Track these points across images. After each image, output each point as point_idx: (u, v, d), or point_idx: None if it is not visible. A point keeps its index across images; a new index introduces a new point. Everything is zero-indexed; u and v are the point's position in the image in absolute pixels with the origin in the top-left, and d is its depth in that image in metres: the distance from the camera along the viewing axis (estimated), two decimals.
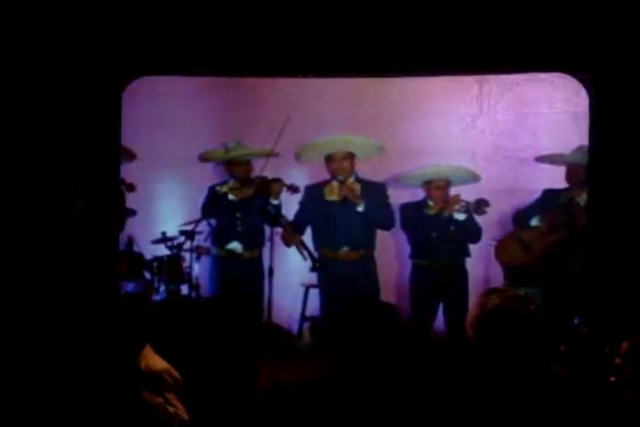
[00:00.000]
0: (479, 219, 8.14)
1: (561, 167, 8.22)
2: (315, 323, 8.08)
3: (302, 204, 8.20)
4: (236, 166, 8.39)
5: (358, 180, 8.09)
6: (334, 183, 8.11)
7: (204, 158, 8.63)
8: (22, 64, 6.84)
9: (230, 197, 8.29)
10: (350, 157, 8.09)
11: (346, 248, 8.04)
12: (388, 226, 8.19)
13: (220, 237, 8.37)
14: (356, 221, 8.03)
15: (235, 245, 8.29)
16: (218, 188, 8.40)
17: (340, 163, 8.07)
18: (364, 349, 4.06)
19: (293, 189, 8.02)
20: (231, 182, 8.38)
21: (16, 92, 6.84)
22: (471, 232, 8.17)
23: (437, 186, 8.17)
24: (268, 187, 8.06)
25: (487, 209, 7.97)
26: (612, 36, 6.81)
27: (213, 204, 8.33)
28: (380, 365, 3.96)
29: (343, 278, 7.90)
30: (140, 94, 7.76)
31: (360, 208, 7.97)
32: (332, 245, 8.04)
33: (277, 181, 8.08)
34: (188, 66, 7.28)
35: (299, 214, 8.19)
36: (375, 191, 8.08)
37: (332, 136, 8.23)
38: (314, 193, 8.16)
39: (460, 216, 8.08)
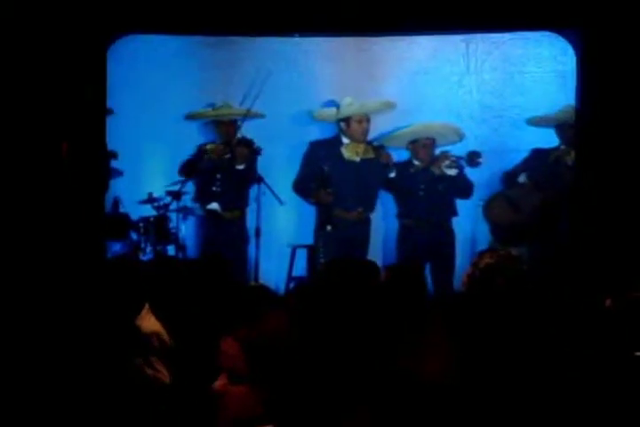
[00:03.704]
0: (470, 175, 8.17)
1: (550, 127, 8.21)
2: (300, 283, 8.08)
3: (314, 161, 8.21)
4: (221, 126, 8.42)
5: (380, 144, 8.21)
6: (356, 144, 8.15)
7: (190, 116, 8.59)
8: (7, 26, 6.78)
9: (210, 157, 8.32)
10: (369, 118, 8.15)
11: (359, 209, 8.09)
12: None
13: (200, 197, 8.41)
14: (373, 183, 8.11)
15: (214, 206, 8.31)
16: (202, 147, 8.43)
17: (366, 124, 8.15)
18: (344, 308, 4.08)
19: (256, 151, 8.07)
20: (214, 143, 8.41)
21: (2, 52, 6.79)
22: (463, 187, 8.18)
23: (424, 144, 8.20)
24: (235, 150, 8.14)
25: (480, 160, 7.98)
26: None
27: (196, 163, 8.36)
28: (359, 323, 3.98)
29: (346, 238, 7.96)
30: (124, 53, 7.70)
31: (393, 174, 8.06)
32: (346, 204, 8.08)
33: (243, 143, 8.12)
34: (173, 24, 7.23)
35: (313, 172, 8.20)
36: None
37: (369, 102, 8.29)
38: (327, 151, 8.19)
39: (452, 171, 8.09)
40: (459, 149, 8.23)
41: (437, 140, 8.21)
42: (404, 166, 8.26)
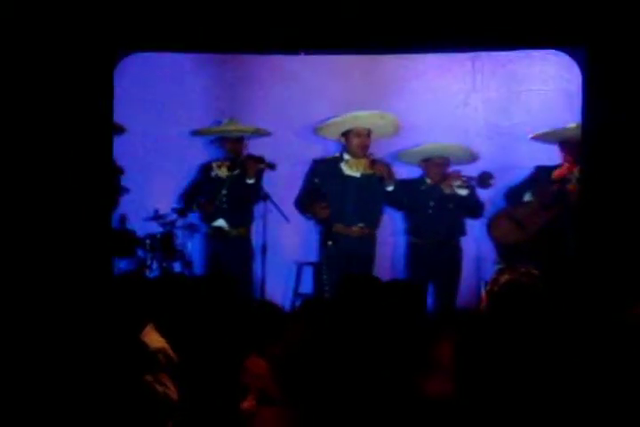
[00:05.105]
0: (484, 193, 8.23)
1: (554, 145, 8.23)
2: (307, 300, 8.11)
3: (312, 178, 8.27)
4: (228, 143, 8.44)
5: (374, 158, 8.22)
6: (356, 159, 8.19)
7: (197, 133, 8.62)
8: (16, 43, 6.81)
9: (217, 174, 8.36)
10: (370, 133, 8.19)
11: (360, 224, 8.12)
12: (404, 207, 8.31)
13: (206, 214, 8.41)
14: (375, 198, 8.15)
15: (220, 223, 8.33)
16: (206, 165, 8.48)
17: (365, 139, 8.20)
18: (348, 325, 4.08)
19: (271, 166, 8.11)
20: (219, 160, 8.44)
21: (9, 70, 6.81)
22: (473, 207, 8.22)
23: (436, 164, 8.24)
24: (245, 165, 8.18)
25: (492, 182, 8.02)
26: (605, 11, 6.80)
27: (201, 181, 8.43)
28: (363, 340, 3.98)
29: (350, 255, 7.98)
30: (132, 71, 7.74)
31: (390, 188, 8.08)
32: (346, 220, 8.11)
33: (253, 158, 8.17)
34: (180, 41, 7.26)
35: (310, 187, 8.24)
36: (392, 171, 8.21)
37: (356, 112, 8.31)
38: (328, 167, 8.25)
39: (463, 192, 8.13)
40: (471, 168, 8.25)
41: (451, 160, 8.26)
42: (414, 184, 8.31)
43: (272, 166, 8.14)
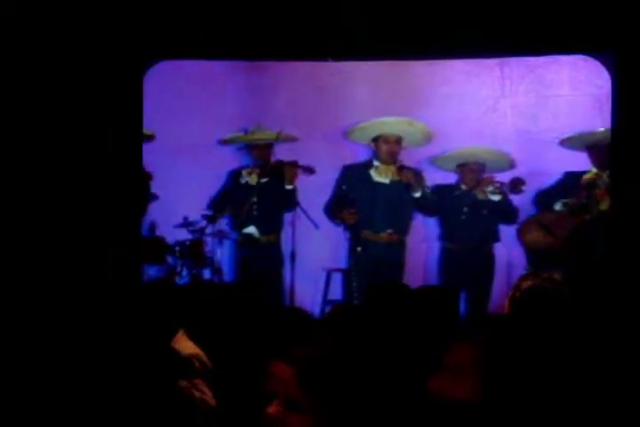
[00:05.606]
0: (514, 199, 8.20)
1: (582, 150, 8.20)
2: (336, 306, 8.11)
3: (341, 184, 8.28)
4: (256, 150, 8.45)
5: (402, 164, 8.20)
6: (385, 166, 8.19)
7: (224, 142, 8.64)
8: (44, 50, 6.85)
9: (247, 181, 8.36)
10: (400, 140, 8.17)
11: (389, 231, 8.12)
12: (434, 213, 8.29)
13: (236, 221, 8.42)
14: (404, 205, 8.14)
15: (251, 230, 8.34)
16: (236, 172, 8.46)
17: (394, 146, 8.19)
18: (379, 330, 4.08)
19: (310, 170, 8.09)
20: (249, 167, 8.44)
21: (38, 77, 6.85)
22: (508, 213, 8.23)
23: (471, 169, 8.23)
24: (282, 170, 8.15)
25: (523, 187, 8.00)
26: (635, 15, 6.77)
27: (231, 188, 8.41)
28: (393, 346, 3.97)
29: (379, 261, 7.98)
30: (161, 78, 7.77)
31: (417, 194, 8.07)
32: (374, 226, 8.12)
33: (291, 164, 8.15)
34: (208, 49, 7.28)
35: (338, 194, 8.24)
36: (420, 177, 8.19)
37: (384, 118, 8.32)
38: (357, 174, 8.26)
39: (495, 197, 8.12)
40: (502, 174, 8.24)
41: (488, 165, 8.25)
42: (448, 189, 8.30)
43: (311, 170, 8.12)
